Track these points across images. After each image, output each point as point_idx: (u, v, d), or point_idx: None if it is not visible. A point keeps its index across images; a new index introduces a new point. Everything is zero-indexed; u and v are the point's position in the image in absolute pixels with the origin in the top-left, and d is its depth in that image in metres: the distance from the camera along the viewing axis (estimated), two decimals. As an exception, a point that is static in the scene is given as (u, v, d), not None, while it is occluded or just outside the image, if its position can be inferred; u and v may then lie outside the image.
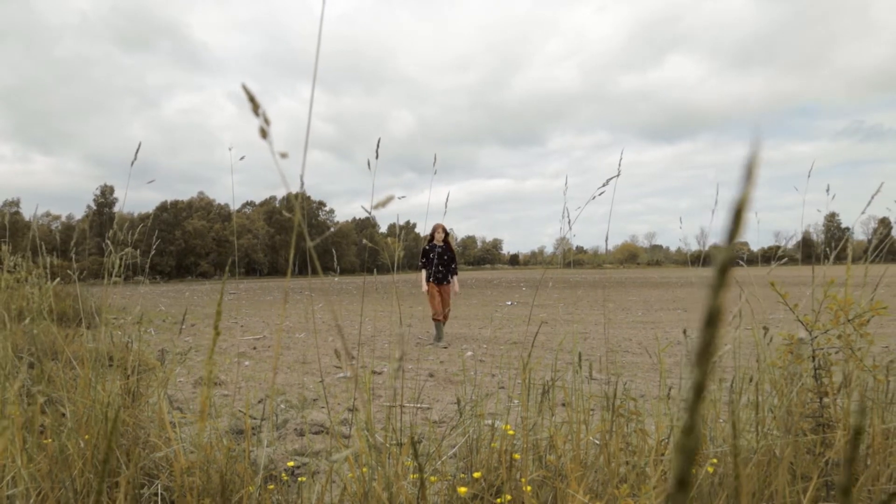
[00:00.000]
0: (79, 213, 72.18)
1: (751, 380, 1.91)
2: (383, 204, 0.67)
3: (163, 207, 67.92)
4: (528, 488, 1.42)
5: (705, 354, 0.27)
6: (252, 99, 0.48)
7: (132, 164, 1.65)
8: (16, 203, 60.60)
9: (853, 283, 1.74)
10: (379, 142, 1.37)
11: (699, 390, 0.30)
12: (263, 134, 0.48)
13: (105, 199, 69.43)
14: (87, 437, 1.66)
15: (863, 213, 1.56)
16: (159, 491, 1.66)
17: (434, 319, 7.68)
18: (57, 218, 70.10)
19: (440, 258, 7.74)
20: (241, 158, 1.63)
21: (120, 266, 2.37)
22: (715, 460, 1.77)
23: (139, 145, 1.62)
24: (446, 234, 7.98)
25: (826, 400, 1.44)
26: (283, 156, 0.52)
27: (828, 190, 1.69)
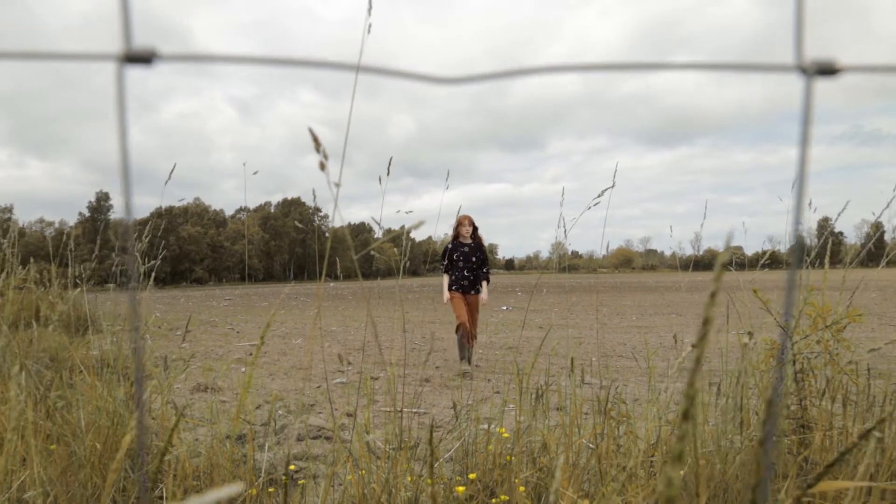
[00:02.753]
0: (72, 219, 71.91)
1: (738, 382, 1.98)
2: (416, 227, 0.73)
3: (158, 213, 67.70)
4: (522, 488, 1.48)
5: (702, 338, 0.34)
6: (315, 139, 0.54)
7: (166, 182, 1.71)
8: (9, 209, 60.37)
9: (839, 287, 1.82)
10: (391, 161, 1.43)
11: (699, 361, 0.38)
12: (322, 167, 0.55)
13: (100, 205, 69.21)
14: (92, 443, 1.71)
15: (832, 226, 1.63)
16: (164, 494, 1.70)
17: (457, 329, 5.77)
18: (50, 224, 69.83)
19: (467, 260, 5.77)
20: (255, 173, 1.68)
21: (120, 273, 2.42)
22: (703, 461, 1.83)
23: (174, 166, 1.69)
24: (475, 228, 5.92)
25: (806, 402, 1.51)
26: (337, 185, 0.58)
27: (810, 204, 1.77)
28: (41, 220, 71.08)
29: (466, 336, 5.63)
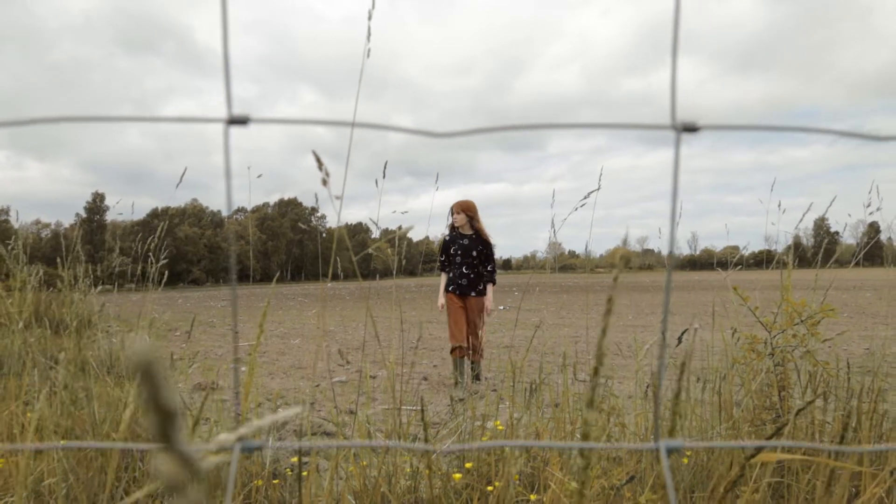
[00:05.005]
0: (68, 220, 71.78)
1: (724, 377, 2.07)
2: (405, 233, 0.81)
3: (154, 214, 67.80)
4: (516, 477, 1.56)
5: (607, 312, 0.42)
6: (318, 159, 0.62)
7: (177, 185, 1.78)
8: (6, 211, 60.24)
9: (825, 287, 1.90)
10: (386, 164, 1.50)
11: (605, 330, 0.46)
12: (324, 183, 0.63)
13: (96, 206, 69.20)
14: (107, 433, 1.78)
15: (799, 225, 1.72)
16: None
17: (453, 353, 4.74)
18: (47, 226, 69.68)
19: (466, 255, 4.79)
20: (259, 176, 1.73)
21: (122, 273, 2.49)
22: (689, 452, 1.91)
23: (185, 170, 1.75)
24: (472, 216, 4.84)
25: (784, 393, 1.59)
26: (338, 198, 0.66)
27: (779, 205, 1.86)
28: (38, 222, 70.90)
29: (464, 354, 4.65)
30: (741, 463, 0.55)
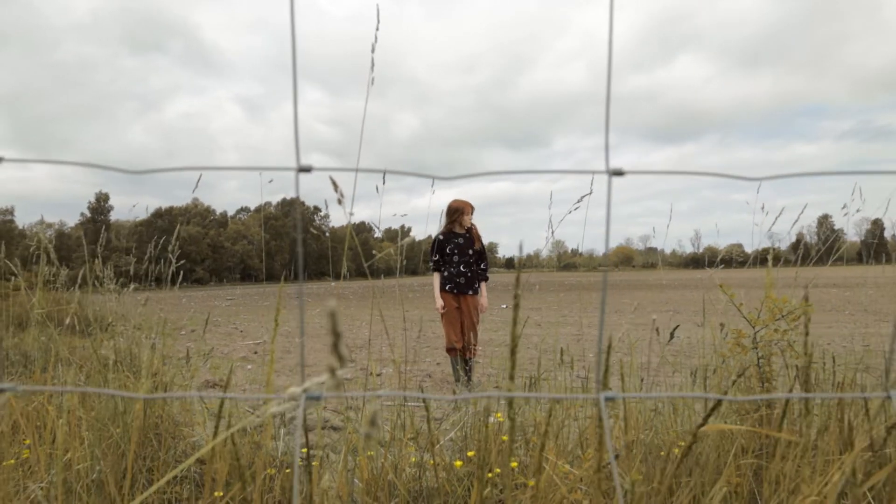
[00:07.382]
0: (72, 220, 72.09)
1: (715, 371, 2.16)
2: (407, 242, 0.90)
3: (158, 214, 68.12)
4: (515, 464, 1.66)
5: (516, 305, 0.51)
6: (334, 183, 0.71)
7: (193, 190, 1.88)
8: (10, 211, 60.54)
9: (818, 285, 1.99)
10: (385, 174, 1.59)
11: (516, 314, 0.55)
12: (339, 202, 0.72)
13: (100, 205, 69.54)
14: (134, 426, 1.88)
15: (772, 227, 1.82)
16: (191, 473, 1.88)
17: (448, 351, 4.79)
18: (51, 226, 69.97)
19: (462, 253, 4.83)
20: (270, 181, 1.79)
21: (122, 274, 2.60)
22: (682, 442, 2.01)
23: (199, 177, 1.85)
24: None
25: (767, 385, 1.69)
26: (351, 213, 0.76)
27: (763, 207, 1.95)
28: (41, 222, 71.11)
29: (461, 355, 4.68)
30: (693, 432, 0.63)
